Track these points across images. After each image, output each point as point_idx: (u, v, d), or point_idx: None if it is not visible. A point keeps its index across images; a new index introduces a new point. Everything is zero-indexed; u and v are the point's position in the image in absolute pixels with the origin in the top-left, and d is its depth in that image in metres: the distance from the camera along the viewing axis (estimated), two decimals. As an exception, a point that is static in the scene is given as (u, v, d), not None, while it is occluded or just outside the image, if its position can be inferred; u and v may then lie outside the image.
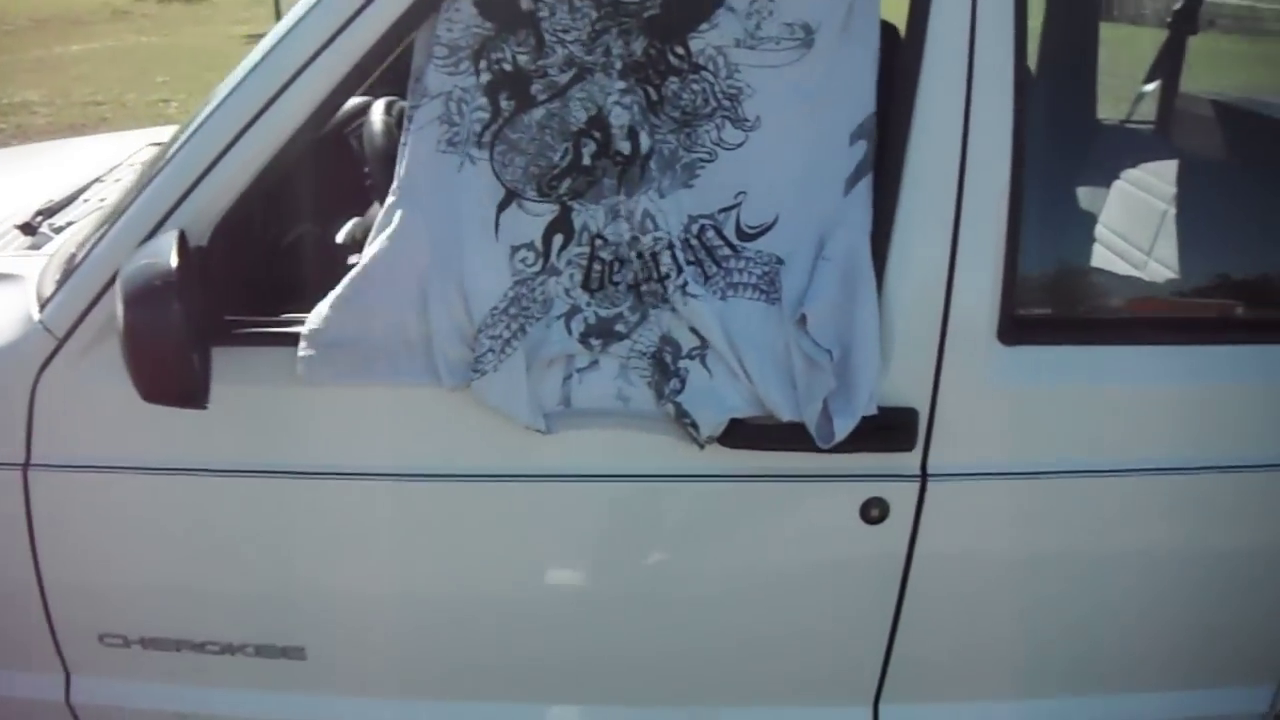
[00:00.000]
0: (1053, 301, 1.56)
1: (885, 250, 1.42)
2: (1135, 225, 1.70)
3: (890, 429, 1.43)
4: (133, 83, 10.11)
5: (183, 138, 1.45)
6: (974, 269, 1.42)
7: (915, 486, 1.48)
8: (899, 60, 1.42)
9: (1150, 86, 2.50)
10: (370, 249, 1.42)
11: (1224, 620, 1.63)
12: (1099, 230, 1.71)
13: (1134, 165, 1.96)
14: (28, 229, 1.88)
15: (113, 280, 1.40)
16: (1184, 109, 2.41)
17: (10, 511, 1.49)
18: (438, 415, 1.45)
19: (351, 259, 1.85)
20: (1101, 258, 1.72)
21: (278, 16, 9.44)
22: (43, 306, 1.48)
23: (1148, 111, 2.48)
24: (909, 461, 1.47)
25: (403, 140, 1.44)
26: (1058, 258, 1.66)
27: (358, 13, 1.37)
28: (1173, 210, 1.69)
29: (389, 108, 2.06)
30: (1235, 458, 1.51)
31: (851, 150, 1.43)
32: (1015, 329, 1.45)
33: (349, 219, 1.84)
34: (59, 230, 1.86)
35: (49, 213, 1.97)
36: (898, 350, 1.43)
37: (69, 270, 1.48)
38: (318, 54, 1.38)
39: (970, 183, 1.41)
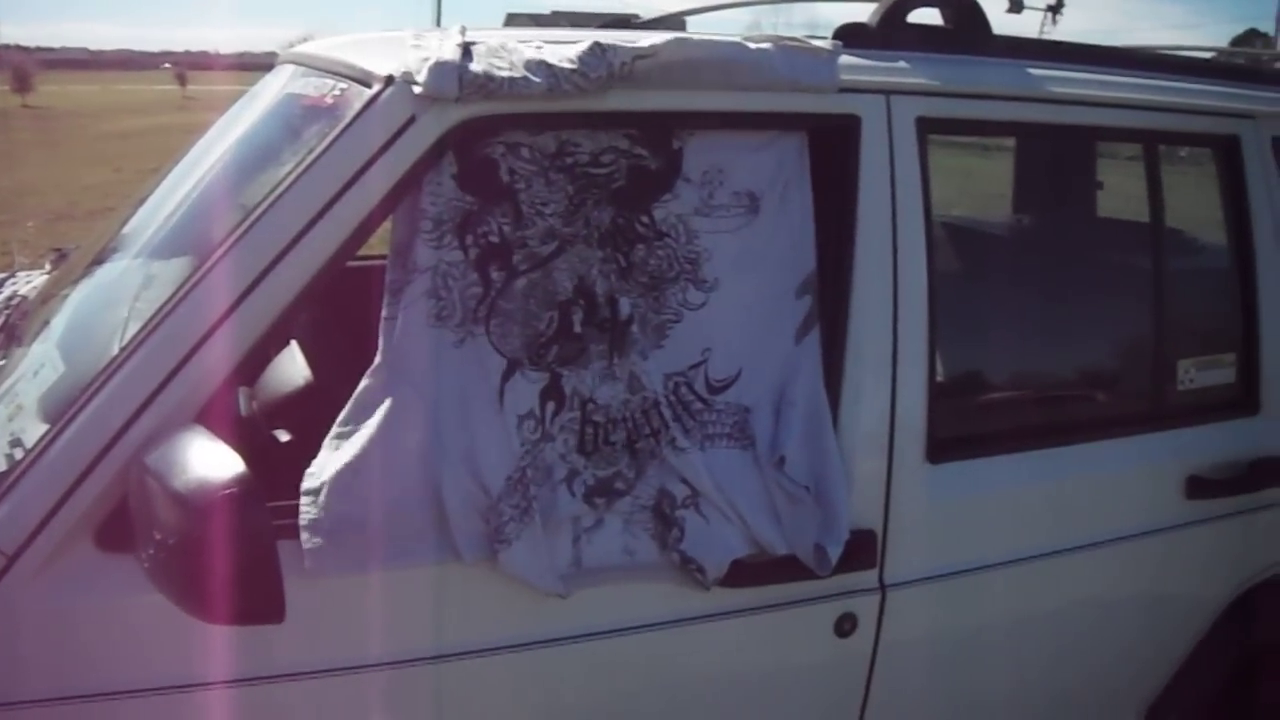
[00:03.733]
0: (961, 423, 1.81)
1: (838, 391, 1.60)
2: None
3: (858, 551, 1.59)
4: None
5: (156, 318, 1.33)
6: (909, 403, 1.64)
7: (877, 598, 1.65)
8: (833, 224, 1.62)
9: None
10: (361, 428, 1.38)
11: (1109, 662, 1.95)
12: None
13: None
14: None
15: (82, 479, 1.25)
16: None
17: None
18: (445, 593, 1.42)
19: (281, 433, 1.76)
20: (988, 380, 2.02)
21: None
22: None
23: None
24: (870, 577, 1.64)
25: (386, 314, 1.42)
26: (960, 384, 1.93)
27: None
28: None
29: None
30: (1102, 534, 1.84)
31: (798, 304, 1.60)
32: (938, 449, 1.67)
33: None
34: None
35: None
36: (857, 479, 1.60)
37: (12, 471, 1.29)
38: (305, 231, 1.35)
39: (902, 325, 1.63)
